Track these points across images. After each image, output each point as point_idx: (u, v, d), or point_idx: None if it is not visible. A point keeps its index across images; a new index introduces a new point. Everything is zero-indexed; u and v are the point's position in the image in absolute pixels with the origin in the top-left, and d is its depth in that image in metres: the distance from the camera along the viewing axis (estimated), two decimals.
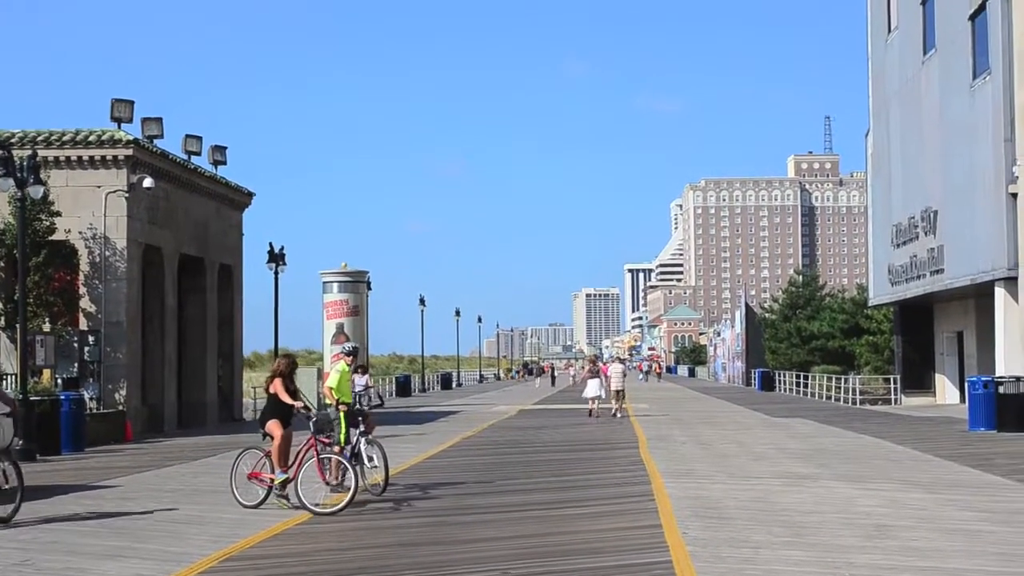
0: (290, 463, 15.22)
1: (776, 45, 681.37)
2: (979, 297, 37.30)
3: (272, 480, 15.13)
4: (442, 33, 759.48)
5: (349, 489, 14.72)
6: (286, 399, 15.34)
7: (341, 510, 14.30)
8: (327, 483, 15.50)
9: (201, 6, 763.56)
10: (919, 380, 45.36)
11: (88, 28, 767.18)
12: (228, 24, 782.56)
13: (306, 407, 15.56)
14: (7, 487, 14.26)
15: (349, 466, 15.14)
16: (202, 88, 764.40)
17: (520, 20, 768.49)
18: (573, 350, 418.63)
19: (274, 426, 15.34)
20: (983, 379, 29.71)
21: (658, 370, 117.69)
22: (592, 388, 37.01)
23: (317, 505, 14.51)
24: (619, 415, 36.40)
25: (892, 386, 47.11)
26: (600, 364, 41.31)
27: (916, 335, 45.60)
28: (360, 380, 23.15)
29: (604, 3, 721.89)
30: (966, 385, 32.03)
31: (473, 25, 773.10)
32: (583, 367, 67.79)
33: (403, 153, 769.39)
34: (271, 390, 15.59)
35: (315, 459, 15.21)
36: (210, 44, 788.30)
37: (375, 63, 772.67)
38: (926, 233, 38.63)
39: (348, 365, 17.40)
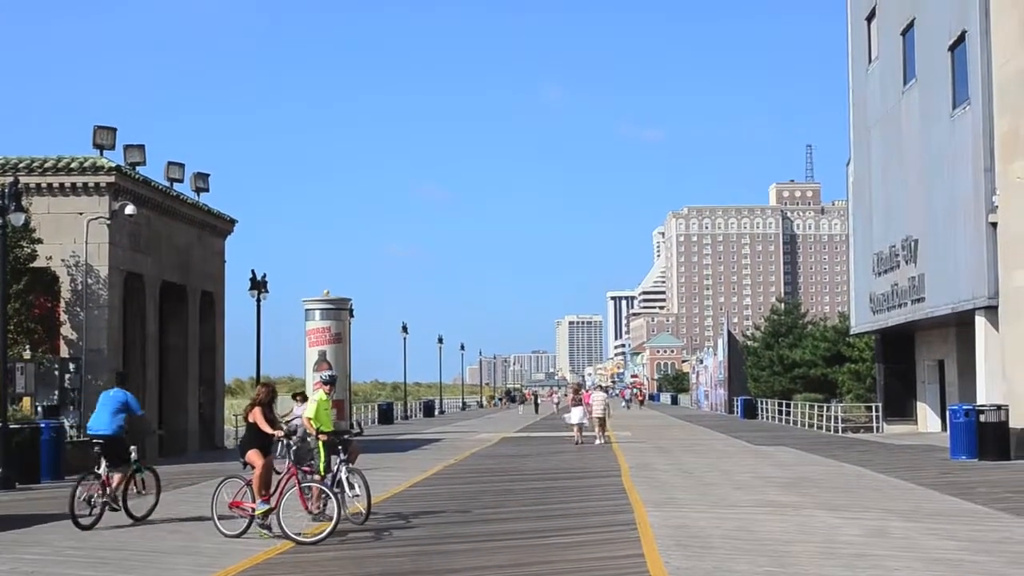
0: (271, 492, 15.16)
1: (758, 74, 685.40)
2: (960, 326, 37.44)
3: (253, 510, 15.07)
4: (421, 59, 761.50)
5: (331, 518, 14.66)
6: (266, 428, 15.30)
7: (323, 539, 14.25)
8: (309, 512, 15.45)
9: (184, 35, 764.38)
10: (901, 408, 45.43)
11: (70, 55, 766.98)
12: (210, 52, 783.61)
13: (287, 434, 15.51)
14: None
15: (331, 494, 15.08)
16: (184, 115, 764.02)
17: (498, 47, 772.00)
18: (556, 377, 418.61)
19: (254, 455, 15.29)
20: (964, 407, 29.80)
21: (640, 397, 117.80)
22: (576, 415, 37.80)
23: (299, 534, 14.45)
24: (600, 441, 37.30)
25: (874, 414, 47.17)
26: (583, 392, 41.90)
27: (897, 363, 45.69)
28: (300, 411, 20.78)
29: (581, 30, 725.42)
30: (947, 413, 32.12)
31: (451, 51, 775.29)
32: (566, 395, 68.02)
33: (384, 180, 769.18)
34: (251, 419, 15.56)
35: (296, 488, 15.14)
36: (192, 72, 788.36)
37: (355, 90, 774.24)
38: (907, 262, 38.79)
39: (326, 394, 17.36)
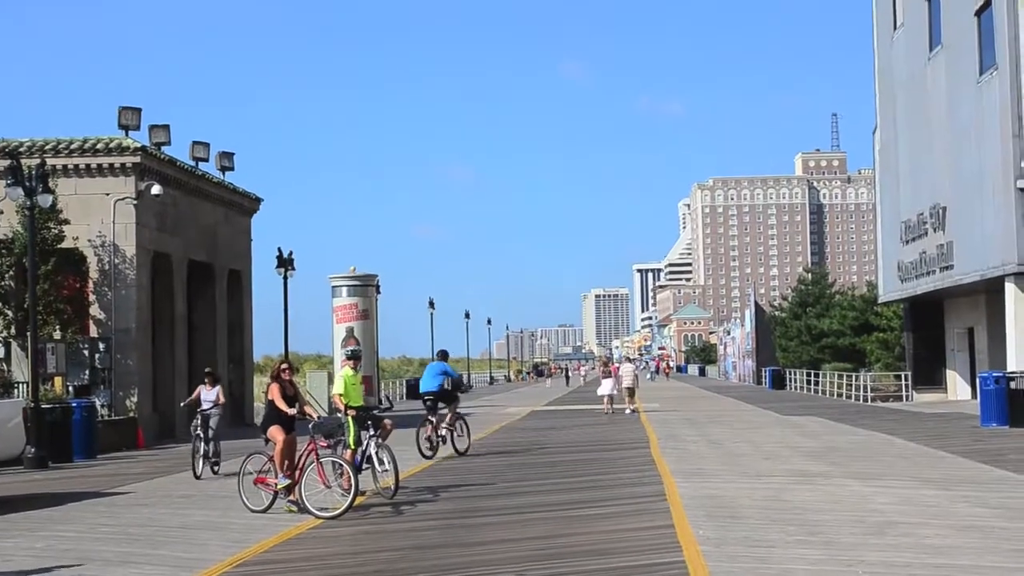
0: (295, 468, 15.21)
1: (782, 43, 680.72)
2: (989, 292, 37.20)
3: (276, 485, 15.14)
4: (438, 39, 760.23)
5: (363, 493, 14.68)
6: (281, 406, 15.32)
7: (342, 514, 14.28)
8: (326, 486, 15.43)
9: (208, 13, 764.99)
10: (930, 376, 45.24)
11: (95, 36, 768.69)
12: (235, 30, 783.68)
13: (303, 413, 15.52)
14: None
15: (348, 469, 15.09)
16: (209, 94, 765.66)
17: (515, 23, 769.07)
18: (583, 351, 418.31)
19: (276, 431, 15.32)
20: (995, 374, 29.62)
21: (667, 369, 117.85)
22: (606, 387, 39.31)
23: (323, 510, 14.50)
24: (629, 411, 38.20)
25: (903, 383, 47.02)
26: (612, 364, 43.62)
27: (927, 331, 45.48)
28: (209, 395, 21.56)
29: (599, 4, 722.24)
30: (978, 381, 31.94)
31: (468, 28, 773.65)
32: (593, 367, 68.96)
33: (407, 158, 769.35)
34: (269, 396, 15.62)
35: (315, 463, 15.14)
36: (217, 50, 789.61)
37: (377, 70, 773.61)
38: (935, 229, 38.55)
39: (353, 369, 17.41)
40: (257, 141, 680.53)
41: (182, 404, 25.07)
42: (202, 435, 20.91)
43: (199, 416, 21.21)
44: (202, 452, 20.79)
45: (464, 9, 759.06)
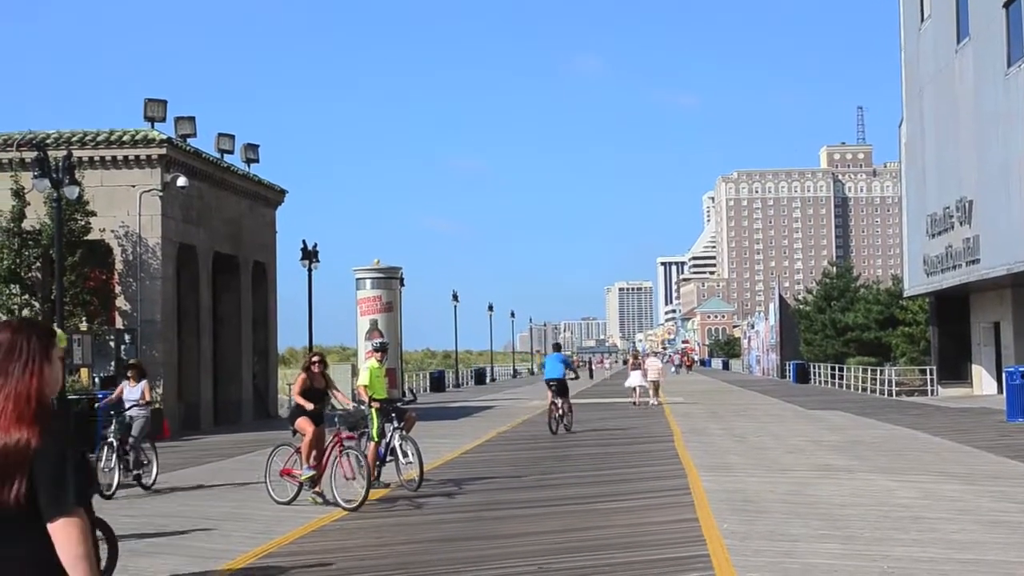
0: (321, 460, 15.26)
1: (808, 37, 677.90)
2: (1016, 287, 36.99)
3: (301, 476, 15.20)
4: (450, 33, 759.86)
5: (387, 485, 14.72)
6: (299, 400, 15.39)
7: (359, 506, 14.32)
8: (350, 478, 15.42)
9: (233, 7, 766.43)
10: (955, 371, 45.03)
11: (120, 29, 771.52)
12: (259, 25, 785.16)
13: (330, 406, 15.57)
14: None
15: (366, 462, 15.11)
16: (234, 87, 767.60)
17: (525, 17, 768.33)
18: (606, 344, 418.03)
19: (304, 423, 15.36)
20: (1020, 369, 29.44)
21: (688, 363, 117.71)
22: (634, 379, 40.77)
23: (349, 501, 14.54)
24: (655, 403, 39.14)
25: (928, 377, 46.81)
26: (640, 358, 45.45)
27: (952, 325, 45.25)
28: (133, 392, 18.18)
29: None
30: (1003, 375, 31.76)
31: (476, 23, 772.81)
32: (615, 360, 70.16)
33: (427, 154, 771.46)
34: (295, 388, 15.76)
35: (339, 455, 15.17)
36: (241, 44, 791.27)
37: (399, 63, 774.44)
38: (961, 223, 38.33)
39: (378, 361, 17.42)
40: (281, 133, 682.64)
41: (97, 406, 21.99)
42: (118, 442, 17.32)
43: (117, 419, 17.72)
44: (115, 464, 17.06)
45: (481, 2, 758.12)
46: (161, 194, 32.62)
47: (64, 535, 3.71)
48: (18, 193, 30.87)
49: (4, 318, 31.10)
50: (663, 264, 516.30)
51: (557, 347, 30.63)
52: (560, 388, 27.56)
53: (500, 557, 11.05)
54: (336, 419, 15.48)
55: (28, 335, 4.00)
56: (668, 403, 39.43)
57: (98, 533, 9.04)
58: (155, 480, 17.86)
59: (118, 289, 32.70)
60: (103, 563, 9.05)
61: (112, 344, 31.84)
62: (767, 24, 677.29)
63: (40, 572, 3.73)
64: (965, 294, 43.52)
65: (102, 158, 32.68)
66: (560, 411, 27.41)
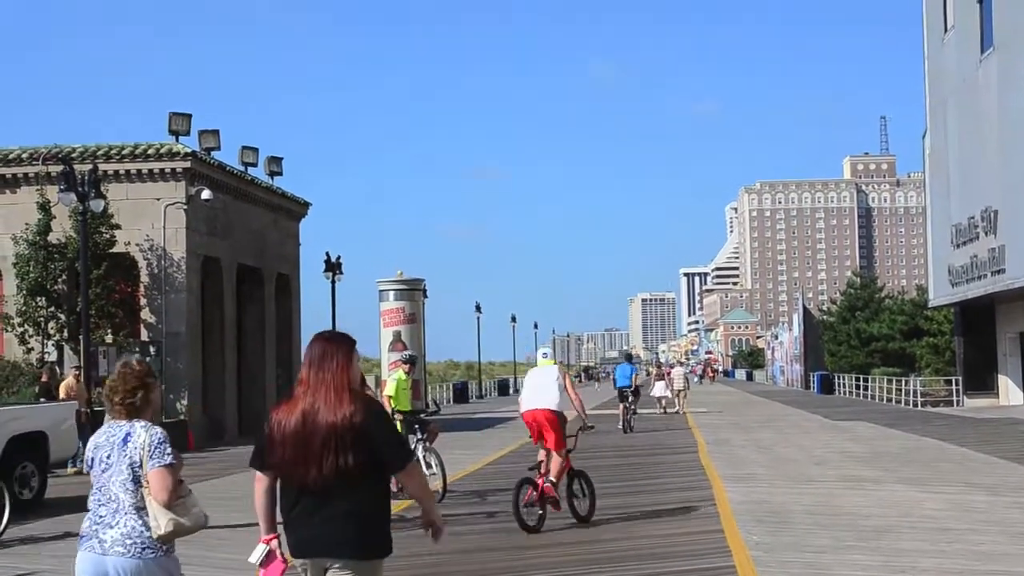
0: None
1: (831, 47, 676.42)
2: None
3: None
4: (463, 41, 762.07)
5: (408, 496, 14.70)
6: None
7: None
8: None
9: (256, 20, 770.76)
10: (981, 381, 44.79)
11: (145, 44, 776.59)
12: (283, 38, 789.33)
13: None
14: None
15: None
16: (257, 99, 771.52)
17: (539, 23, 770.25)
18: (628, 351, 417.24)
19: None
20: None
21: (711, 374, 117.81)
22: (659, 388, 43.23)
23: None
24: (680, 411, 41.69)
25: (954, 388, 46.58)
26: (665, 368, 49.45)
27: (978, 336, 45.03)
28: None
29: (627, 5, 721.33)
30: None
31: (497, 30, 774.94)
32: (647, 372, 72.60)
33: (453, 162, 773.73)
34: None
35: None
36: (264, 58, 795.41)
37: (421, 71, 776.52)
38: (986, 233, 38.17)
39: (406, 373, 17.44)
40: (302, 145, 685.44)
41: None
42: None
43: None
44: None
45: (495, 8, 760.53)
46: (186, 207, 32.77)
47: (417, 473, 5.81)
48: (44, 207, 31.07)
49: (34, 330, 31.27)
50: (686, 275, 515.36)
51: (628, 357, 36.14)
52: (631, 394, 32.62)
53: (523, 569, 11.05)
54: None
55: (336, 344, 5.71)
56: (691, 413, 39.41)
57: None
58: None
59: (143, 302, 32.86)
60: None
61: (137, 356, 31.96)
62: (789, 33, 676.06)
63: (356, 521, 5.64)
64: (990, 304, 43.32)
65: (127, 171, 32.86)
66: (629, 414, 32.14)
